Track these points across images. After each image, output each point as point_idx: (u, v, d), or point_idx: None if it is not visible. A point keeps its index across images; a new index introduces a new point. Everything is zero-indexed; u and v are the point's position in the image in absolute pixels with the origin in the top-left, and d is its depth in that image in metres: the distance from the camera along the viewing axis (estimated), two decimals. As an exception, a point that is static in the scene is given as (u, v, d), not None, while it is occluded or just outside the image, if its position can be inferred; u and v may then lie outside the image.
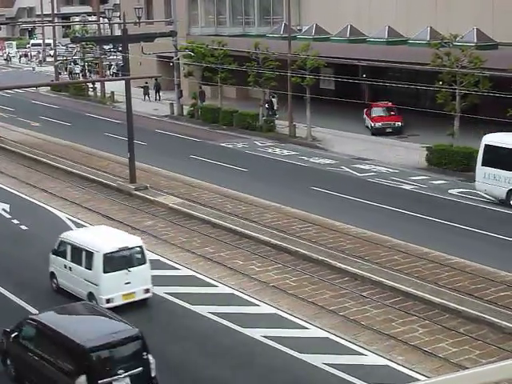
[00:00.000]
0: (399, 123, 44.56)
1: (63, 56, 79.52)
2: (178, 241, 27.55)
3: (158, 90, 60.66)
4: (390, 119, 45.02)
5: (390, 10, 48.52)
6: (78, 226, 28.99)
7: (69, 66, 76.27)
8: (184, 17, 60.13)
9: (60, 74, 75.85)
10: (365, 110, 46.89)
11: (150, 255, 25.73)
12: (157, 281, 23.39)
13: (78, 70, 73.86)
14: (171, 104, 54.91)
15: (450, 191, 33.11)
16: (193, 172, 37.02)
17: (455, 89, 36.38)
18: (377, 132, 44.34)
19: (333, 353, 18.84)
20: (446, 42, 38.16)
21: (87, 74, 71.46)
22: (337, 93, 50.14)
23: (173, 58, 53.45)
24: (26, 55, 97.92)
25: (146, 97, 60.37)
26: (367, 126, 45.95)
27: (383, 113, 45.70)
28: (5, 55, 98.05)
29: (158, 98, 60.74)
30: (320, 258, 24.73)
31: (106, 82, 62.00)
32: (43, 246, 26.31)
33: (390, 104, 46.04)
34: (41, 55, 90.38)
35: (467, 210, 30.48)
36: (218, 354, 19.08)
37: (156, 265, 24.90)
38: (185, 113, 53.32)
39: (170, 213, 30.95)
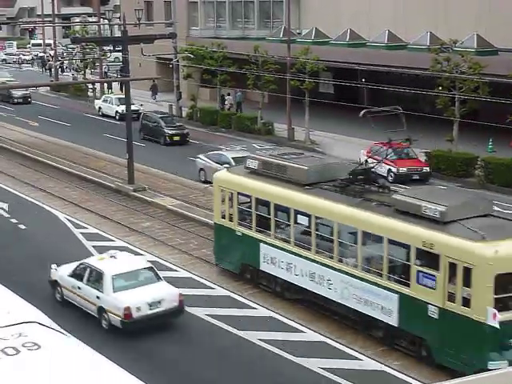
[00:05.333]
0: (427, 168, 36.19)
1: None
2: (175, 242, 27.54)
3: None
4: (416, 163, 36.40)
5: (390, 15, 48.57)
6: (77, 226, 28.99)
7: (48, 63, 77.63)
8: (184, 19, 60.14)
9: (44, 71, 79.44)
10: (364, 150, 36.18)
11: (147, 256, 25.78)
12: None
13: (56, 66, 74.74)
14: (170, 106, 54.92)
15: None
16: (191, 174, 36.97)
17: (454, 94, 36.40)
18: (401, 179, 35.19)
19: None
20: (445, 48, 38.17)
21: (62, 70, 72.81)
22: (336, 97, 50.18)
23: (172, 59, 53.45)
24: (41, 58, 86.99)
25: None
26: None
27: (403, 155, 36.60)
28: (14, 57, 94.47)
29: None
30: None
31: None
32: (41, 246, 26.33)
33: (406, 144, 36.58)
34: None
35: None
36: (213, 354, 19.10)
37: (154, 266, 24.91)
38: (183, 114, 53.32)
39: (167, 214, 30.94)
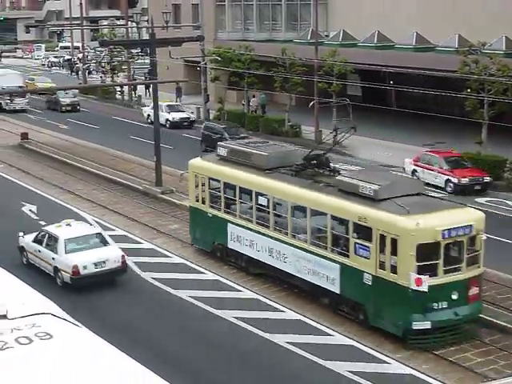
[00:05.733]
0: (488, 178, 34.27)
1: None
2: (203, 245, 27.60)
3: None
4: (477, 173, 34.33)
5: (417, 17, 48.36)
6: (105, 228, 29.17)
7: (76, 66, 78.40)
8: (211, 22, 60.29)
9: (71, 74, 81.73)
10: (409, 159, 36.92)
11: (175, 258, 25.92)
12: (182, 284, 23.53)
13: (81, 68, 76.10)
14: (197, 108, 55.08)
15: (476, 200, 32.87)
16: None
17: (483, 96, 36.17)
18: (462, 191, 33.51)
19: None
20: (474, 50, 37.97)
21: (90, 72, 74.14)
22: (364, 99, 50.05)
23: (200, 62, 53.62)
24: (68, 61, 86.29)
25: None
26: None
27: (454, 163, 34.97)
28: (43, 60, 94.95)
29: None
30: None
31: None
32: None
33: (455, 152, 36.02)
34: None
35: (494, 220, 30.19)
36: (239, 358, 19.15)
37: (181, 268, 25.06)
38: (211, 117, 53.44)
39: (195, 217, 30.98)
